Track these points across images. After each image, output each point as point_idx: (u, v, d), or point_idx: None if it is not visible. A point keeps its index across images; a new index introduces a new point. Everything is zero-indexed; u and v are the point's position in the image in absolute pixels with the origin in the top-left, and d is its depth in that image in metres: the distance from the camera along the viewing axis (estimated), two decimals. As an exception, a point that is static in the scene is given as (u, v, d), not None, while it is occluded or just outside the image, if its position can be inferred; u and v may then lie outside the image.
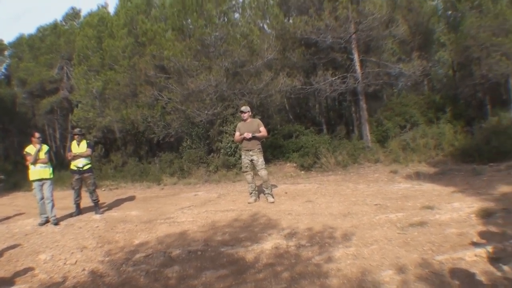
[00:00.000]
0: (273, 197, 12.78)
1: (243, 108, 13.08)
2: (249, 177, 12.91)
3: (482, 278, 5.53)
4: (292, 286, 6.09)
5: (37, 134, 12.48)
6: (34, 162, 12.10)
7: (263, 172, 12.59)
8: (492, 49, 21.21)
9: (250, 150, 12.66)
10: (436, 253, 6.61)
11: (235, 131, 13.28)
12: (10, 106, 39.98)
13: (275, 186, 15.38)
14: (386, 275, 6.01)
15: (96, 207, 13.61)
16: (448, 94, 25.80)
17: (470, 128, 20.97)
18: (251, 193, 13.03)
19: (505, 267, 5.72)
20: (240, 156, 13.47)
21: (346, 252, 7.16)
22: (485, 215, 8.25)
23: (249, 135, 12.43)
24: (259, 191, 13.40)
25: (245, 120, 12.88)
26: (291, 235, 8.59)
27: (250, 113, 12.99)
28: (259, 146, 12.77)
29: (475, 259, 6.16)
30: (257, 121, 13.16)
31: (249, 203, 12.71)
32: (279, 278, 6.46)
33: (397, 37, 23.42)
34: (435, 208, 9.39)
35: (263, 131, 12.71)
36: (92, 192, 13.51)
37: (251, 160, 12.71)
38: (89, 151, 13.37)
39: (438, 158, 18.33)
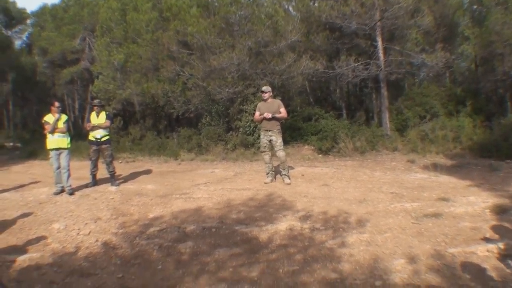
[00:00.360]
0: (289, 179, 12.77)
1: (264, 88, 13.04)
2: (266, 157, 12.92)
3: (493, 274, 5.53)
4: (305, 268, 6.11)
5: (56, 104, 12.54)
6: (52, 131, 12.19)
7: (281, 153, 12.57)
8: (515, 46, 21.08)
9: (269, 131, 12.68)
10: (449, 245, 6.62)
11: (255, 110, 13.26)
12: (31, 74, 40.23)
13: (292, 168, 15.40)
14: (398, 263, 6.04)
15: (112, 179, 13.72)
16: (469, 87, 25.59)
17: (489, 123, 20.78)
18: (267, 173, 13.04)
19: (516, 265, 5.74)
20: (259, 135, 13.46)
21: (359, 238, 7.19)
22: (500, 211, 8.23)
23: (269, 115, 12.42)
24: (276, 172, 13.40)
25: (265, 100, 12.90)
26: (305, 217, 8.62)
27: (271, 93, 12.96)
28: (279, 127, 12.78)
29: (487, 254, 6.17)
30: (278, 101, 13.15)
31: (265, 183, 12.74)
32: (291, 259, 6.48)
33: (421, 27, 23.26)
34: (450, 201, 9.40)
35: (283, 112, 12.67)
36: (109, 164, 13.60)
37: (270, 141, 12.70)
38: (108, 123, 13.45)
39: (456, 151, 18.26)
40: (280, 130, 12.81)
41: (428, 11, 22.97)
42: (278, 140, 12.64)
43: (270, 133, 12.70)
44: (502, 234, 6.93)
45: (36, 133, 34.16)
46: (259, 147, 13.84)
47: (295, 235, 7.61)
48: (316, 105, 27.50)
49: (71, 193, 12.16)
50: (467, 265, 5.83)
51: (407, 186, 11.56)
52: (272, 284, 5.67)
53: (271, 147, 12.86)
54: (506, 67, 21.95)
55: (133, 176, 16.15)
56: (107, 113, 13.83)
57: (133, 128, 28.75)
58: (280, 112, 12.64)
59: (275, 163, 13.20)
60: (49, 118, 12.36)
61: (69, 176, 12.36)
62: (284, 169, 12.84)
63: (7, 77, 40.75)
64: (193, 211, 9.69)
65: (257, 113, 12.98)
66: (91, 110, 14.67)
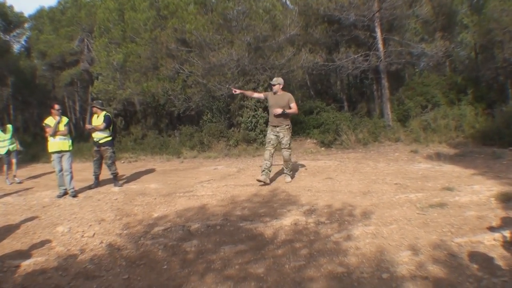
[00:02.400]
0: (290, 178, 12.35)
1: (273, 80, 12.35)
2: (267, 154, 12.01)
3: (500, 263, 5.50)
4: (311, 263, 6.10)
5: (56, 106, 12.46)
6: (54, 134, 12.17)
7: (286, 153, 12.07)
8: (515, 33, 21.06)
9: (277, 127, 12.00)
10: (455, 235, 6.61)
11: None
12: (30, 78, 40.32)
13: (295, 162, 15.33)
14: (404, 255, 6.02)
15: (115, 180, 13.75)
16: (470, 76, 25.60)
17: (491, 111, 20.82)
18: (263, 170, 12.01)
19: (524, 253, 5.70)
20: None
21: (365, 230, 7.18)
22: (505, 199, 8.20)
23: (279, 111, 11.70)
24: (277, 171, 13.20)
25: (275, 93, 12.20)
26: (310, 211, 8.62)
27: (281, 86, 12.17)
28: (288, 123, 12.11)
29: (493, 243, 6.14)
30: (288, 95, 12.27)
31: (257, 180, 12.04)
32: (297, 254, 6.47)
33: (420, 17, 23.34)
34: (455, 190, 9.37)
35: (293, 108, 12.01)
36: (109, 166, 13.61)
37: (277, 136, 12.06)
38: (102, 125, 13.34)
39: (458, 140, 18.28)
40: (289, 127, 12.19)
41: (426, 0, 22.95)
42: (285, 137, 11.99)
43: (278, 129, 11.98)
44: (508, 222, 6.90)
45: (37, 137, 34.26)
46: (261, 142, 13.30)
47: (300, 229, 7.60)
48: (317, 98, 27.60)
49: (74, 195, 12.14)
50: (474, 255, 5.80)
51: (411, 177, 11.56)
52: (279, 280, 5.66)
53: (276, 143, 12.19)
54: (506, 54, 21.97)
55: (136, 176, 16.19)
56: (105, 114, 13.69)
57: (134, 127, 28.88)
58: (290, 108, 11.95)
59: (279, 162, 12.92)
60: (50, 121, 12.35)
61: (71, 178, 12.33)
62: (286, 168, 12.41)
63: (7, 82, 40.82)
64: (197, 209, 9.68)
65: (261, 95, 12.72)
66: (91, 111, 14.62)
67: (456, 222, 7.19)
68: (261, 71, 22.81)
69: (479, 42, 25.42)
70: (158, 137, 26.66)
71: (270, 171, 12.24)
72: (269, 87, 14.61)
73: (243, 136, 22.38)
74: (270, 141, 12.13)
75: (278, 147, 12.39)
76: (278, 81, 12.18)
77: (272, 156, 12.21)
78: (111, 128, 13.78)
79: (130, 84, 26.18)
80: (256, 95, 13.13)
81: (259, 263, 6.29)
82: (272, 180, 12.44)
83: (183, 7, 23.74)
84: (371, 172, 12.98)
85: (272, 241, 7.19)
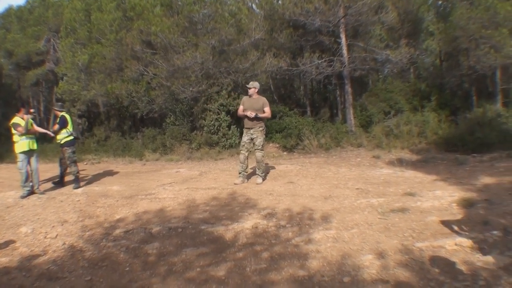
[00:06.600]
0: (262, 180, 12.54)
1: (249, 84, 12.83)
2: (241, 156, 12.62)
3: (462, 268, 5.52)
4: (272, 266, 6.10)
5: (31, 110, 12.75)
6: (26, 133, 12.14)
7: (258, 154, 12.39)
8: (481, 41, 21.18)
9: (251, 129, 12.40)
10: (417, 240, 6.64)
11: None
12: (-4, 77, 39.94)
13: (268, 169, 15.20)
14: (366, 259, 6.02)
15: (76, 180, 13.59)
16: (434, 83, 25.80)
17: (454, 117, 21.01)
18: (240, 173, 12.70)
19: (485, 258, 5.72)
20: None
21: (326, 234, 7.18)
22: (467, 204, 8.28)
23: (252, 115, 12.10)
24: (250, 173, 13.27)
25: (250, 96, 12.58)
26: (271, 215, 8.63)
27: (256, 89, 12.58)
28: (261, 125, 12.46)
29: (455, 248, 6.17)
30: (263, 99, 12.64)
31: (235, 183, 12.43)
32: (258, 258, 6.47)
33: (385, 23, 23.49)
34: (416, 195, 9.44)
35: (267, 112, 12.38)
36: (69, 166, 13.59)
37: (251, 139, 12.45)
38: (56, 127, 13.42)
39: (421, 146, 18.45)
40: (263, 129, 12.53)
41: (392, 7, 23.18)
42: (258, 138, 12.36)
43: (251, 131, 12.38)
44: (470, 228, 6.95)
45: (1, 137, 33.92)
46: (224, 146, 13.40)
47: (261, 233, 7.62)
48: (280, 103, 27.62)
49: (43, 193, 12.30)
50: (435, 259, 5.83)
51: (373, 182, 11.64)
52: (240, 283, 5.65)
53: (250, 146, 12.58)
54: (472, 62, 22.10)
55: (99, 177, 15.99)
56: (60, 116, 13.65)
57: (97, 129, 28.63)
58: (264, 112, 12.33)
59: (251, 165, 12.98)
60: (18, 120, 12.25)
61: (38, 177, 12.43)
62: (259, 169, 12.62)
63: (-27, 81, 40.53)
64: (159, 211, 9.65)
65: (240, 107, 12.60)
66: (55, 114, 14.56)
67: (417, 227, 7.23)
68: (225, 75, 22.78)
69: (444, 50, 25.65)
70: (121, 139, 26.40)
71: (246, 172, 12.79)
72: (233, 90, 14.60)
73: (205, 139, 22.28)
74: (244, 145, 12.56)
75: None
76: (254, 85, 12.65)
77: (247, 159, 12.63)
78: (69, 128, 13.68)
79: (94, 85, 25.94)
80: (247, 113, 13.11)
81: (220, 266, 6.28)
82: (233, 183, 12.51)
83: (149, 9, 23.63)
84: (332, 177, 13.03)
85: (233, 244, 7.19)
